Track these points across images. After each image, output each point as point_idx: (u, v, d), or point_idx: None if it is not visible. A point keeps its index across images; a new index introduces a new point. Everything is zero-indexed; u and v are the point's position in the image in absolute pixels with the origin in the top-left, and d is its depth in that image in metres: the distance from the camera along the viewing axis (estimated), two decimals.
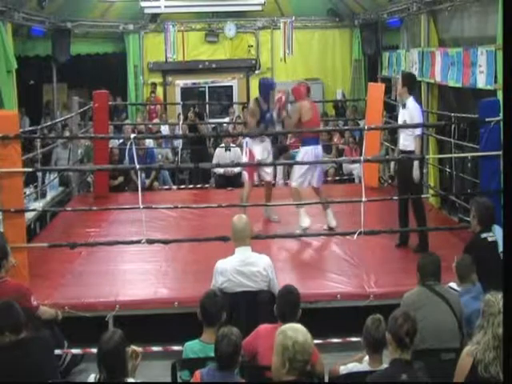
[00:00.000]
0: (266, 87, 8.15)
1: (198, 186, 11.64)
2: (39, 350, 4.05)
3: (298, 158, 8.10)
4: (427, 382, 3.63)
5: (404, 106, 7.22)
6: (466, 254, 5.25)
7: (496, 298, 3.61)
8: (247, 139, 8.34)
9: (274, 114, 7.99)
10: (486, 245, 5.46)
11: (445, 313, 4.55)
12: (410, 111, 7.11)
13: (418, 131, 7.10)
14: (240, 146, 10.92)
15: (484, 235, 5.56)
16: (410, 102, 7.15)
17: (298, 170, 7.97)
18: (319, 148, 8.02)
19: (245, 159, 8.29)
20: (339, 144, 12.55)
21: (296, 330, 3.46)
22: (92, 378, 3.77)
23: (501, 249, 5.29)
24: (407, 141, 7.19)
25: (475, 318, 4.07)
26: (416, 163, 7.03)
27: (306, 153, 7.90)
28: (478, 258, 5.11)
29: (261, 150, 8.16)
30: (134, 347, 4.02)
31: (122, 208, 8.36)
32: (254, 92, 15.38)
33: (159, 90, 15.50)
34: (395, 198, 7.65)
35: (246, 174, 8.36)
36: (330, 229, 7.98)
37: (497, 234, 5.54)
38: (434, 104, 10.20)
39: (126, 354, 3.74)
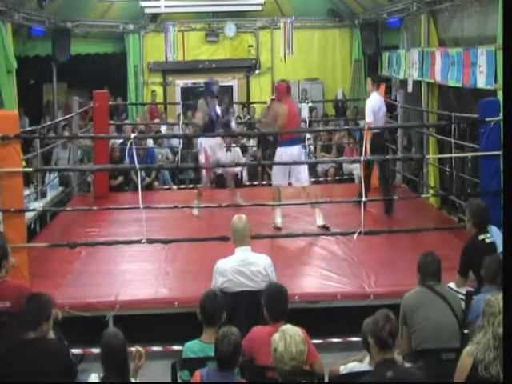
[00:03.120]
0: (211, 87, 8.90)
1: (198, 185, 11.63)
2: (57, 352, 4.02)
3: (275, 159, 8.26)
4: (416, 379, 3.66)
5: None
6: (491, 257, 5.02)
7: (496, 298, 3.61)
8: (201, 138, 8.94)
9: (218, 111, 8.68)
10: (485, 247, 5.40)
11: (445, 313, 4.55)
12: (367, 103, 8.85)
13: (369, 119, 8.71)
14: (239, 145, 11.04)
15: (481, 237, 5.52)
16: (372, 95, 8.91)
17: (274, 170, 8.38)
18: (296, 148, 8.10)
19: (201, 157, 8.83)
20: (339, 140, 12.55)
21: (283, 337, 3.53)
22: (92, 377, 3.77)
23: (499, 250, 5.27)
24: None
25: None
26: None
27: (280, 154, 8.04)
28: (477, 261, 5.07)
29: (212, 146, 8.77)
30: (137, 347, 4.01)
31: (122, 208, 8.36)
32: (254, 92, 15.56)
33: (159, 91, 15.52)
34: (395, 197, 7.70)
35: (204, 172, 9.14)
36: (323, 227, 8.01)
37: (494, 234, 5.53)
38: (434, 104, 10.19)
39: (128, 353, 3.73)
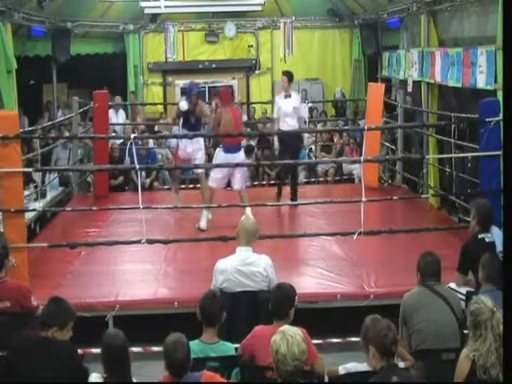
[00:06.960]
0: (188, 91, 8.83)
1: (198, 185, 11.65)
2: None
3: (215, 161, 8.43)
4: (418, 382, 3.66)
5: (289, 96, 9.02)
6: (488, 256, 4.99)
7: (482, 301, 3.61)
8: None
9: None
10: (484, 245, 5.40)
11: (445, 313, 4.55)
12: (297, 99, 9.16)
13: (304, 114, 9.67)
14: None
15: (481, 236, 5.53)
16: (294, 92, 9.29)
17: (213, 171, 8.37)
18: (240, 154, 8.30)
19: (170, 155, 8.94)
20: (338, 144, 12.55)
21: (284, 338, 3.47)
22: (93, 377, 3.76)
23: (498, 249, 5.27)
24: (293, 122, 9.00)
25: None
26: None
27: (225, 160, 8.13)
28: (476, 259, 5.07)
29: (185, 144, 8.58)
30: None
31: (122, 208, 8.36)
32: (254, 92, 15.57)
33: (158, 90, 15.53)
34: (395, 197, 7.71)
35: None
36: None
37: (495, 234, 5.53)
38: (434, 104, 10.19)
39: (129, 353, 3.72)
